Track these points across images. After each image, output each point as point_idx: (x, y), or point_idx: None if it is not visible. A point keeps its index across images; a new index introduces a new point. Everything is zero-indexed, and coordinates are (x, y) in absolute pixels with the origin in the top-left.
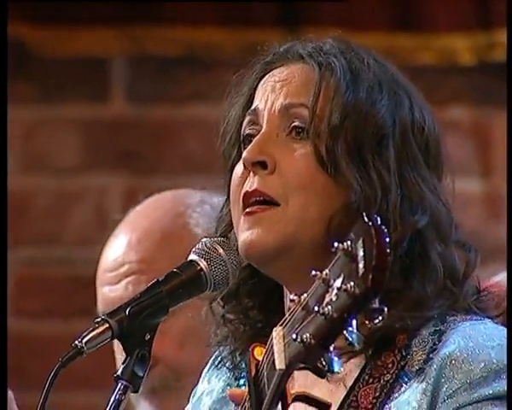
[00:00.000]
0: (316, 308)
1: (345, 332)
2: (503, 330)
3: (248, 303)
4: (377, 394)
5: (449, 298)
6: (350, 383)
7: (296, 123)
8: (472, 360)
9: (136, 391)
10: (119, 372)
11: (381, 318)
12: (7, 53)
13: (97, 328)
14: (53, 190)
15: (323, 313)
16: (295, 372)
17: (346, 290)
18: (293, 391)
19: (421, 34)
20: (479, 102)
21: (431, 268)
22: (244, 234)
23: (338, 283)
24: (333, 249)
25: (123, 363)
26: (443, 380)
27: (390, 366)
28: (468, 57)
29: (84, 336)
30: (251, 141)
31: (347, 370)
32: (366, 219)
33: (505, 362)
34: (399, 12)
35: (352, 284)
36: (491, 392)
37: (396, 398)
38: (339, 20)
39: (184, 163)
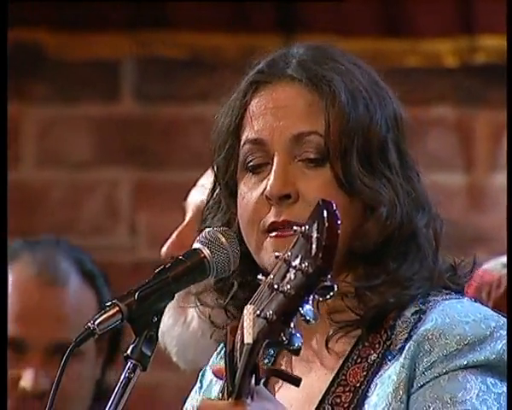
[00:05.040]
0: (277, 287)
1: (301, 309)
2: (479, 307)
3: (243, 295)
4: (364, 373)
5: (428, 274)
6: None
7: (310, 152)
8: (448, 334)
9: (145, 370)
10: (128, 352)
11: (331, 294)
12: (6, 53)
13: (108, 311)
14: (67, 183)
15: (283, 291)
16: (293, 359)
17: (301, 270)
18: (264, 367)
19: (408, 39)
20: (461, 102)
21: (421, 252)
22: (271, 255)
23: (296, 262)
24: (291, 232)
25: (132, 343)
26: (421, 354)
27: (377, 346)
28: (451, 60)
29: (96, 319)
30: (258, 169)
31: (342, 350)
32: (321, 203)
33: (479, 336)
34: (388, 18)
35: (306, 263)
36: (465, 362)
37: (381, 375)
38: (331, 25)
39: (189, 158)
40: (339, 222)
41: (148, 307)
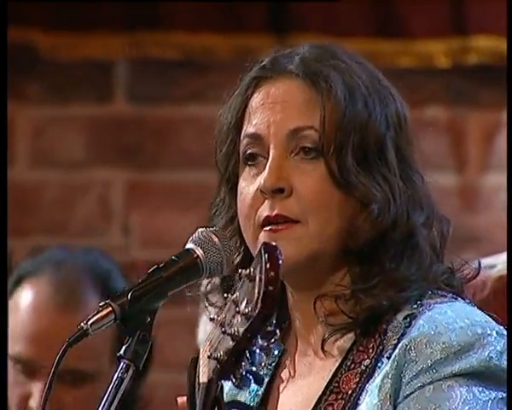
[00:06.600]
0: (225, 329)
1: (247, 352)
2: (470, 312)
3: None
4: (357, 379)
5: (425, 275)
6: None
7: (305, 144)
8: (433, 342)
9: (138, 370)
10: (121, 352)
11: (276, 338)
12: (7, 55)
13: (101, 311)
14: (60, 183)
15: (231, 334)
16: (296, 361)
17: (245, 314)
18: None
19: (401, 40)
20: (454, 102)
21: (419, 253)
22: None
23: (242, 306)
24: (237, 275)
25: (125, 344)
26: (407, 364)
27: (370, 351)
28: (443, 61)
29: (89, 319)
30: (253, 160)
31: (339, 353)
32: (263, 245)
33: (464, 343)
34: (381, 19)
35: (249, 308)
36: (450, 371)
37: (372, 383)
38: (323, 25)
39: (182, 158)
40: (280, 263)
41: (140, 307)
